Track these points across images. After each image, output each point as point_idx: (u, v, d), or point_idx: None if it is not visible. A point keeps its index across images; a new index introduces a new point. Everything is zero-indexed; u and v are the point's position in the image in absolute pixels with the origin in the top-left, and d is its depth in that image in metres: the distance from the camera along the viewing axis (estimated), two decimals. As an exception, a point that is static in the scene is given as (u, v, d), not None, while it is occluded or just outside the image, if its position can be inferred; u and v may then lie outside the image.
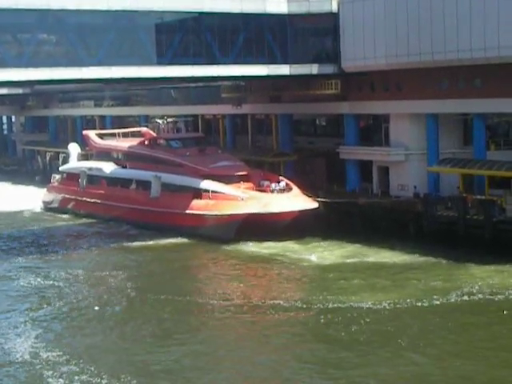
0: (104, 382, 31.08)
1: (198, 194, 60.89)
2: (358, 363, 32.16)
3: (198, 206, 60.31)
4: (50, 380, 31.53)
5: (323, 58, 60.25)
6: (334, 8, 59.17)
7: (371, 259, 49.75)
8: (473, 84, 53.07)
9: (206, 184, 60.68)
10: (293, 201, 58.12)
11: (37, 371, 32.53)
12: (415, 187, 56.13)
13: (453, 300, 39.83)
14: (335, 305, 39.81)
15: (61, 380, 31.41)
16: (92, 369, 32.34)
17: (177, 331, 37.49)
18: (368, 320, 37.19)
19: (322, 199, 58.67)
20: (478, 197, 51.36)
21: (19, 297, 45.14)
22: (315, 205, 57.80)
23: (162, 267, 51.44)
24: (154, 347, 35.09)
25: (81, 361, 33.37)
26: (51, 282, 47.78)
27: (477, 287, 41.70)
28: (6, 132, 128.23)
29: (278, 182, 60.32)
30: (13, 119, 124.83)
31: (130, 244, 58.81)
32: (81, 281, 48.17)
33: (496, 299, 39.80)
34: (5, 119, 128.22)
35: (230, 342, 35.92)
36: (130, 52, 53.91)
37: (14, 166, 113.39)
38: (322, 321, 37.67)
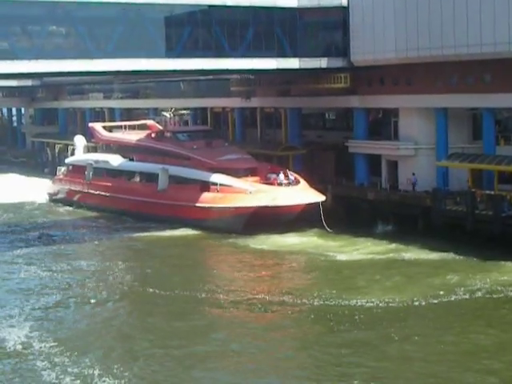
0: (96, 373, 31.06)
1: (206, 186, 60.91)
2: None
3: (205, 199, 60.31)
4: (42, 371, 31.56)
5: (333, 51, 60.01)
6: (344, 2, 59.01)
7: (380, 255, 49.62)
8: (482, 79, 52.89)
9: (214, 177, 60.67)
10: (300, 194, 58.11)
11: (29, 362, 32.58)
12: (413, 174, 56.57)
13: (454, 298, 39.56)
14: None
15: (53, 372, 31.42)
16: (86, 360, 32.37)
17: (180, 326, 37.15)
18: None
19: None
20: (487, 192, 51.23)
21: (17, 287, 45.17)
22: (322, 198, 57.79)
23: (169, 261, 51.12)
24: (152, 343, 34.79)
25: (75, 353, 33.34)
26: (51, 274, 47.67)
27: (484, 283, 41.57)
28: (15, 124, 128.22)
29: (278, 174, 60.08)
30: (22, 111, 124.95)
31: (135, 237, 58.66)
32: (82, 274, 47.84)
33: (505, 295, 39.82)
34: (14, 111, 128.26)
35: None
36: (139, 45, 53.73)
37: (23, 158, 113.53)
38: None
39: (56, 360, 32.68)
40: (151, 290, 43.26)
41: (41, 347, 34.24)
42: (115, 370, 31.26)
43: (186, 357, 32.96)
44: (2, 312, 39.99)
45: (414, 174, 56.95)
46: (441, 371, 30.45)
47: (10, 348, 34.36)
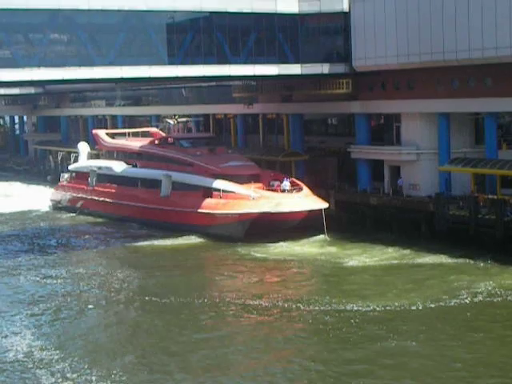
0: (94, 379, 31.14)
1: (209, 193, 60.96)
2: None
3: (208, 205, 60.35)
4: (42, 378, 31.66)
5: (334, 57, 60.17)
6: (345, 7, 59.10)
7: (385, 260, 49.54)
8: (484, 83, 52.95)
9: (217, 183, 60.75)
10: (303, 200, 58.10)
11: (30, 369, 32.65)
12: (400, 178, 57.85)
13: (464, 301, 39.66)
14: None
15: (53, 378, 31.49)
16: (85, 367, 32.41)
17: (175, 335, 36.97)
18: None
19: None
20: (490, 196, 51.26)
21: (18, 294, 45.15)
22: (325, 205, 57.75)
23: (171, 269, 50.78)
24: (152, 348, 34.76)
25: (75, 359, 33.40)
26: (51, 282, 47.64)
27: (487, 287, 41.59)
28: (17, 132, 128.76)
29: (282, 181, 60.14)
30: (25, 119, 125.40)
31: (137, 244, 58.55)
32: (82, 281, 47.71)
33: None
34: (17, 119, 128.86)
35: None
36: (141, 52, 53.97)
37: (26, 165, 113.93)
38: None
39: (57, 366, 32.76)
40: (150, 298, 43.13)
41: (42, 355, 34.28)
42: (113, 376, 31.39)
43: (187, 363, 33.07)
44: (2, 319, 40.05)
45: (400, 178, 57.71)
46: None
47: (11, 355, 34.46)
